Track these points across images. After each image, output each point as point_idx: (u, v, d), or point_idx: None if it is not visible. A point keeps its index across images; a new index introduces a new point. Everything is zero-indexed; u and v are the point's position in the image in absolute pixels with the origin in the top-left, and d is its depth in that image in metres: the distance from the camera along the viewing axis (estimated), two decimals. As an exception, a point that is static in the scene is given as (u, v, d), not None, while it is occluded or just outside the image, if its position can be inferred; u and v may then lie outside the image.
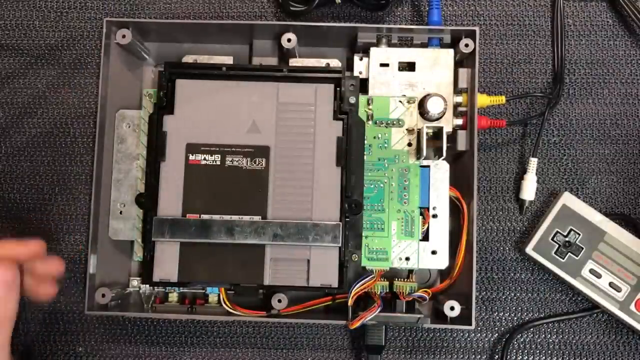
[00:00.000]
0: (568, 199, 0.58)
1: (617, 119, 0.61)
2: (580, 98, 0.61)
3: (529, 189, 0.59)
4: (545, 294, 0.59)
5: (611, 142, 0.61)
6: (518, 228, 0.60)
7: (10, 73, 0.62)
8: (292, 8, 0.60)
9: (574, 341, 0.59)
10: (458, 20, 0.62)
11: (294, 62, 0.57)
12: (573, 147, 0.61)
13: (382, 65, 0.56)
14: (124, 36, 0.55)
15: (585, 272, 0.57)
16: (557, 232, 0.57)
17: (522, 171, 0.60)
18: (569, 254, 0.57)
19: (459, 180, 0.56)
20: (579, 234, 0.57)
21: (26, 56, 0.62)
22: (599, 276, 0.57)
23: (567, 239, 0.57)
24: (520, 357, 0.58)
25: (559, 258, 0.57)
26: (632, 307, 0.56)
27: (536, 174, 0.59)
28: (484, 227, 0.60)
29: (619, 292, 0.56)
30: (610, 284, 0.56)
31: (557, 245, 0.57)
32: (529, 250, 0.58)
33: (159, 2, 0.63)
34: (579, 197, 0.58)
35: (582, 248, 0.57)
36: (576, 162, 0.61)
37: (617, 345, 0.59)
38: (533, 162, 0.59)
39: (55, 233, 0.60)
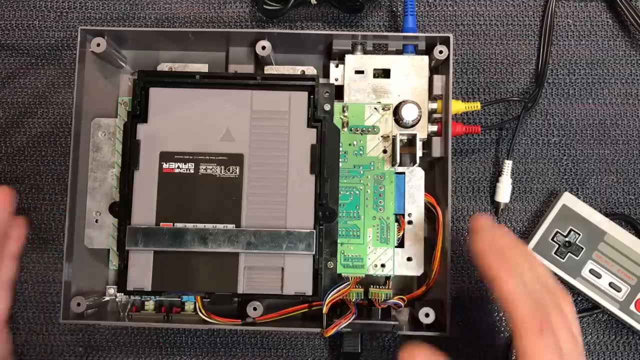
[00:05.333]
0: (568, 199, 0.58)
1: (617, 119, 0.61)
2: (580, 98, 0.61)
3: (504, 192, 0.59)
4: (545, 294, 0.59)
5: (611, 142, 0.61)
6: (518, 228, 0.60)
7: (10, 73, 0.63)
8: (266, 7, 0.59)
9: (575, 341, 0.59)
10: (445, 25, 0.62)
11: (270, 69, 0.57)
12: (573, 147, 0.61)
13: (357, 72, 0.56)
14: (98, 45, 0.55)
15: (585, 272, 0.57)
16: (557, 232, 0.57)
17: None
18: (569, 254, 0.57)
19: (436, 186, 0.56)
20: (579, 234, 0.57)
21: (26, 56, 0.63)
22: (599, 276, 0.57)
23: (567, 239, 0.57)
24: (520, 357, 0.58)
25: (559, 258, 0.57)
26: (632, 307, 0.56)
27: (511, 176, 0.59)
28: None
29: (619, 292, 0.56)
30: (610, 284, 0.57)
31: (557, 246, 0.57)
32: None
33: (159, 2, 0.63)
34: (579, 197, 0.58)
35: (582, 248, 0.57)
36: (576, 162, 0.61)
37: (617, 345, 0.59)
38: (508, 165, 0.59)
39: (56, 233, 0.60)
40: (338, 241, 0.53)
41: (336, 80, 0.56)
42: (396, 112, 0.54)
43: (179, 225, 0.52)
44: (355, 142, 0.55)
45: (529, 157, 0.61)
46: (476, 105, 0.57)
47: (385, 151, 0.55)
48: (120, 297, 0.56)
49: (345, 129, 0.55)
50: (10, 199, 0.50)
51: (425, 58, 0.55)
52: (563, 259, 0.57)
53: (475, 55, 0.62)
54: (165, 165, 0.52)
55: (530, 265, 0.44)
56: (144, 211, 0.52)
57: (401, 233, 0.55)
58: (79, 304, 0.53)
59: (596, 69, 0.62)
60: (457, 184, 0.60)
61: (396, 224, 0.55)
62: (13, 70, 0.63)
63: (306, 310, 0.55)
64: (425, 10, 0.63)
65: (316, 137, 0.53)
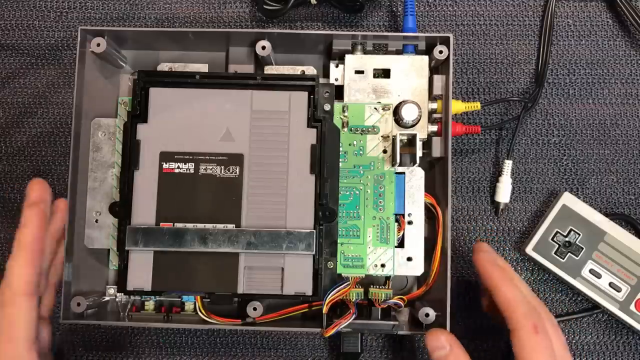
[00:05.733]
0: (568, 199, 0.58)
1: (617, 119, 0.61)
2: (580, 98, 0.61)
3: (504, 192, 0.59)
4: (545, 294, 0.59)
5: (611, 142, 0.61)
6: (518, 228, 0.60)
7: (10, 73, 0.63)
8: (266, 7, 0.59)
9: (574, 341, 0.59)
10: (445, 25, 0.62)
11: (270, 69, 0.57)
12: (573, 147, 0.61)
13: (357, 72, 0.56)
14: (98, 45, 0.55)
15: (585, 272, 0.57)
16: (557, 232, 0.57)
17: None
18: (569, 254, 0.57)
19: (436, 186, 0.56)
20: (579, 234, 0.57)
21: (26, 56, 0.63)
22: (599, 276, 0.57)
23: (567, 239, 0.57)
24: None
25: (559, 258, 0.57)
26: (632, 307, 0.56)
27: (511, 176, 0.60)
28: (483, 227, 0.60)
29: (619, 292, 0.56)
30: (610, 284, 0.57)
31: (557, 246, 0.57)
32: (529, 250, 0.58)
33: (159, 2, 0.63)
34: (579, 197, 0.58)
35: (582, 248, 0.57)
36: (576, 162, 0.61)
37: (617, 345, 0.59)
38: (508, 165, 0.59)
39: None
40: (338, 241, 0.53)
41: (336, 80, 0.56)
42: (396, 112, 0.54)
43: (179, 225, 0.52)
44: (355, 142, 0.55)
45: (529, 157, 0.61)
46: (476, 105, 0.57)
47: (385, 151, 0.55)
48: (120, 297, 0.56)
49: (345, 129, 0.55)
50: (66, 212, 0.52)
51: (425, 58, 0.55)
52: (563, 259, 0.57)
53: (475, 55, 0.62)
54: (165, 165, 0.52)
55: (523, 282, 0.50)
56: (144, 211, 0.52)
57: (401, 233, 0.55)
58: (79, 304, 0.53)
59: (596, 69, 0.62)
60: (457, 184, 0.60)
61: (396, 224, 0.55)
62: (13, 70, 0.63)
63: (306, 310, 0.55)
64: (425, 10, 0.63)
65: (316, 137, 0.53)
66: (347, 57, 0.56)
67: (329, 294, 0.52)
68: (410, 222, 0.55)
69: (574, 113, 0.61)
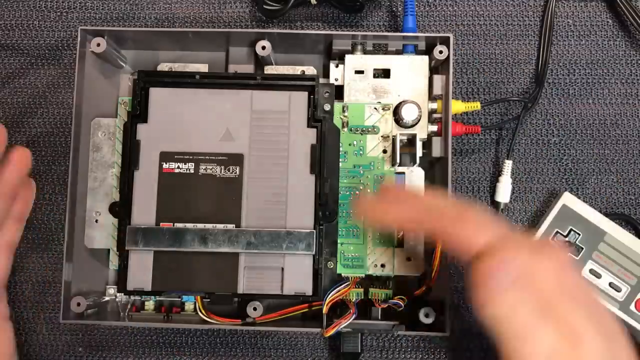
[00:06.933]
0: (568, 199, 0.58)
1: (617, 119, 0.61)
2: (580, 98, 0.61)
3: (504, 192, 0.59)
4: (545, 294, 0.59)
5: (611, 142, 0.61)
6: (518, 228, 0.60)
7: (10, 73, 0.63)
8: (266, 7, 0.59)
9: (574, 341, 0.59)
10: (445, 25, 0.62)
11: (270, 69, 0.57)
12: (573, 147, 0.61)
13: (357, 72, 0.56)
14: (98, 44, 0.55)
15: (585, 272, 0.57)
16: (557, 232, 0.57)
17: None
18: (569, 254, 0.57)
19: (436, 186, 0.56)
20: (579, 234, 0.57)
21: (26, 56, 0.63)
22: (599, 276, 0.56)
23: (567, 239, 0.57)
24: (518, 357, 0.58)
25: (559, 258, 0.57)
26: (632, 307, 0.56)
27: (511, 176, 0.59)
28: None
29: (619, 292, 0.56)
30: (610, 284, 0.56)
31: (557, 246, 0.57)
32: (529, 250, 0.58)
33: (159, 2, 0.63)
34: (579, 197, 0.58)
35: (582, 248, 0.57)
36: (576, 162, 0.61)
37: (616, 345, 0.59)
38: (508, 165, 0.59)
39: (56, 233, 0.60)
40: (338, 241, 0.53)
41: (336, 80, 0.56)
42: (396, 112, 0.55)
43: (179, 225, 0.52)
44: (355, 142, 0.55)
45: (529, 157, 0.61)
46: (476, 105, 0.57)
47: (385, 151, 0.55)
48: (120, 297, 0.56)
49: (345, 129, 0.55)
50: (27, 160, 0.49)
51: (425, 58, 0.55)
52: (563, 259, 0.57)
53: (475, 55, 0.62)
54: (165, 165, 0.52)
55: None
56: (144, 211, 0.52)
57: (401, 233, 0.55)
58: (79, 304, 0.53)
59: (596, 69, 0.62)
60: (457, 184, 0.60)
61: (396, 224, 0.54)
62: (13, 70, 0.63)
63: (306, 310, 0.55)
64: (425, 10, 0.63)
65: (316, 137, 0.53)
66: (347, 57, 0.56)
67: (329, 294, 0.52)
68: (410, 222, 0.55)
69: (574, 113, 0.61)
